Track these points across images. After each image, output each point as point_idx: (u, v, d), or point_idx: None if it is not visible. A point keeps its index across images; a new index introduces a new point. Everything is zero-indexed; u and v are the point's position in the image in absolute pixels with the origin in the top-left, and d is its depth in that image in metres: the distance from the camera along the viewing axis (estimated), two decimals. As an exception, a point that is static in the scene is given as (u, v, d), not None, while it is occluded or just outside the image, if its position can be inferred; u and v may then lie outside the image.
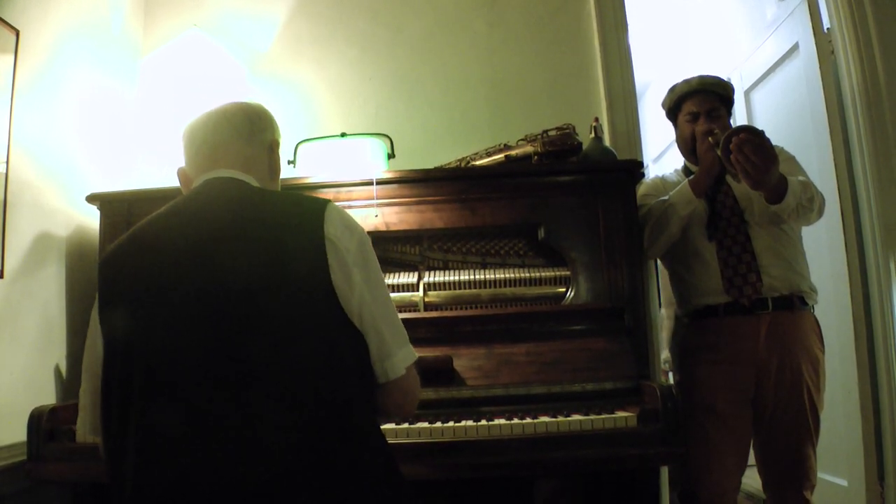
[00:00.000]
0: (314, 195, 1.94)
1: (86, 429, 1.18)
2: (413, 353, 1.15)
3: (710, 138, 1.93)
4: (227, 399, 0.97)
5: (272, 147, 1.28)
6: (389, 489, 1.06)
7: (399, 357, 1.11)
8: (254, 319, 1.00)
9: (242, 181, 1.18)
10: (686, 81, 2.11)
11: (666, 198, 2.01)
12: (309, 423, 0.98)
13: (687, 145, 2.11)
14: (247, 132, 1.24)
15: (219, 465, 0.95)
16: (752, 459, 2.02)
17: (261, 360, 0.99)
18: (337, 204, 1.89)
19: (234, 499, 0.95)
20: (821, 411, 1.93)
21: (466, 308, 1.94)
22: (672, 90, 2.15)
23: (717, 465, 1.91)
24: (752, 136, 1.71)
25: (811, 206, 1.88)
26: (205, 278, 1.03)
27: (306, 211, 1.09)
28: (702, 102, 2.05)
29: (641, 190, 2.15)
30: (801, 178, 1.91)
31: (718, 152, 1.79)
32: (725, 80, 2.16)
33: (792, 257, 1.97)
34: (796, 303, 1.94)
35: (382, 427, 1.46)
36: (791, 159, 2.03)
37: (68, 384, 1.98)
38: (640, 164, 2.06)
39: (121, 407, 1.02)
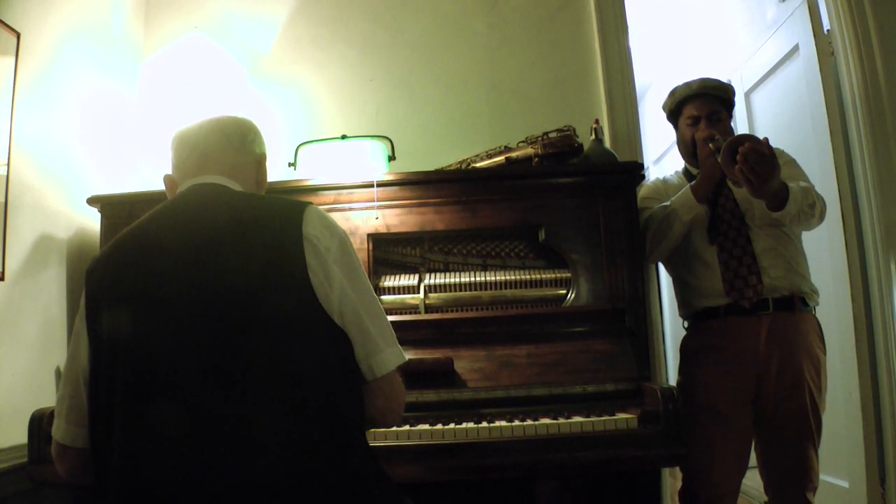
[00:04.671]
0: (314, 197, 1.95)
1: (60, 434, 1.17)
2: (402, 355, 1.14)
3: (710, 144, 1.93)
4: (220, 399, 0.98)
5: (260, 160, 1.32)
6: (379, 490, 1.07)
7: (387, 354, 1.11)
8: (241, 320, 1.01)
9: (226, 186, 1.20)
10: (687, 84, 2.11)
11: (667, 203, 2.01)
12: (296, 422, 0.99)
13: (688, 149, 2.11)
14: (238, 142, 1.27)
15: (212, 466, 0.96)
16: (753, 461, 2.02)
17: (249, 361, 1.00)
18: (338, 206, 1.95)
19: (226, 499, 0.96)
20: (822, 412, 1.93)
21: (467, 310, 1.94)
22: (673, 93, 2.15)
23: (717, 466, 1.91)
24: (755, 146, 1.70)
25: (812, 211, 1.88)
26: (194, 280, 1.04)
27: (286, 212, 1.11)
28: (702, 106, 2.06)
29: (642, 192, 2.15)
30: (802, 183, 1.91)
31: (719, 159, 1.79)
32: (726, 82, 2.16)
33: (793, 258, 1.97)
34: (797, 304, 1.94)
35: (384, 430, 1.49)
36: (791, 162, 2.03)
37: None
38: (641, 166, 2.06)
39: (110, 409, 1.03)
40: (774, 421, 1.91)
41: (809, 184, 1.95)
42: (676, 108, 2.13)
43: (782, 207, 1.81)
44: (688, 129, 2.08)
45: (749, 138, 1.74)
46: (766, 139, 1.72)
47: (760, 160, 1.69)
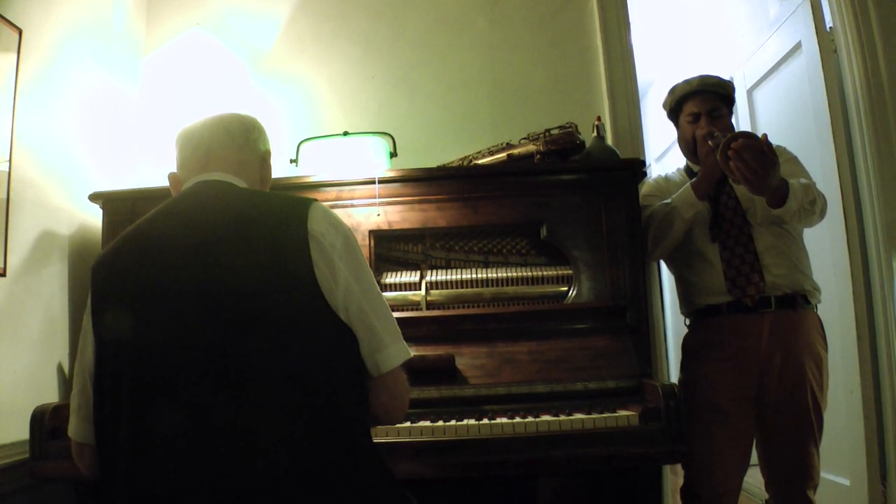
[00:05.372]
0: (315, 194, 1.95)
1: (73, 431, 1.18)
2: (407, 351, 1.14)
3: (709, 141, 1.93)
4: (223, 398, 0.98)
5: (265, 157, 1.32)
6: (382, 489, 1.07)
7: (392, 350, 1.11)
8: (246, 318, 1.01)
9: (231, 183, 1.20)
10: (686, 82, 2.11)
11: (668, 201, 2.01)
12: (300, 421, 0.99)
13: (688, 146, 2.11)
14: (241, 139, 1.27)
15: (215, 465, 0.96)
16: (754, 458, 2.02)
17: (254, 359, 1.00)
18: (339, 202, 1.95)
19: (229, 498, 0.95)
20: (824, 410, 1.93)
21: (469, 307, 1.94)
22: (672, 91, 2.15)
23: (719, 464, 1.91)
24: (751, 142, 1.70)
25: (812, 208, 1.88)
26: (198, 278, 1.04)
27: (291, 209, 1.10)
28: (702, 103, 2.05)
29: (644, 190, 2.15)
30: (802, 180, 1.91)
31: (717, 156, 1.79)
32: (726, 79, 2.15)
33: (795, 256, 1.97)
34: (799, 301, 1.94)
35: (385, 426, 1.49)
36: (793, 159, 2.03)
37: (71, 382, 1.97)
38: (643, 163, 2.06)
39: (115, 407, 1.03)
40: (776, 419, 1.91)
41: (810, 181, 1.95)
42: (676, 105, 2.13)
43: (782, 204, 1.81)
44: (688, 126, 2.08)
45: (745, 135, 1.73)
46: (764, 136, 1.72)
47: (757, 156, 1.69)
